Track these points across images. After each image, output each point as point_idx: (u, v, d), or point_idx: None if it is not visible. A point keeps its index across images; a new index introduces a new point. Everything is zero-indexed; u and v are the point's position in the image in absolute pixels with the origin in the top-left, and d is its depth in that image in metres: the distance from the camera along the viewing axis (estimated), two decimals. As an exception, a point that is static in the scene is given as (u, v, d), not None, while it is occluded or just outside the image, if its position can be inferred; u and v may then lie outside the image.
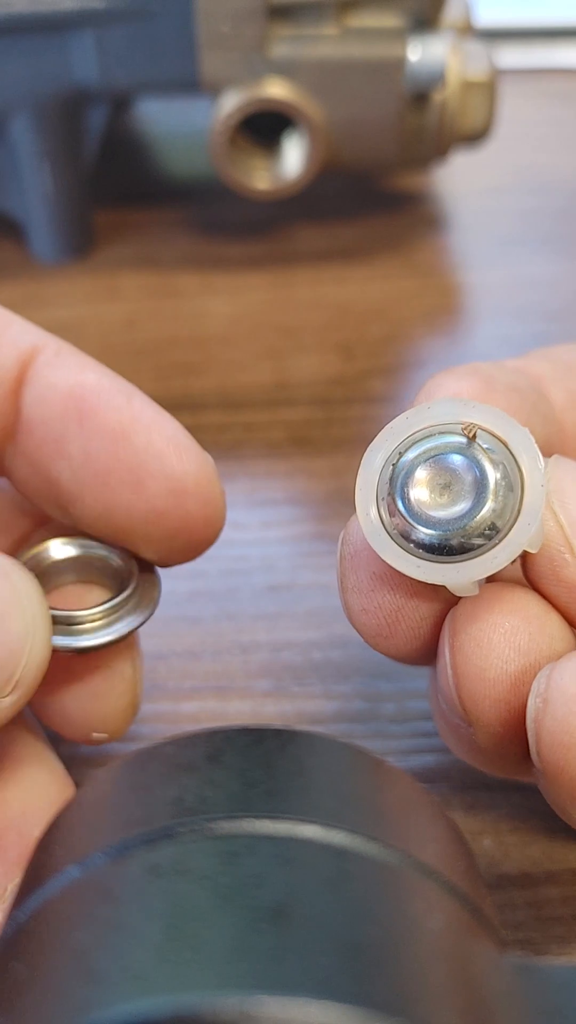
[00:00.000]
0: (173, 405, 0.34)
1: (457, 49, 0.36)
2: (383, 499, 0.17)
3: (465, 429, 0.16)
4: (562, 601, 0.17)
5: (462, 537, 0.16)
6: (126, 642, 0.20)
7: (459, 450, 0.16)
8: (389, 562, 0.16)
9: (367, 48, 0.35)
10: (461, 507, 0.16)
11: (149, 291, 0.39)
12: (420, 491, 0.16)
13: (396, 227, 0.42)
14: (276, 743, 0.13)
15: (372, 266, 0.40)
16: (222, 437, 0.32)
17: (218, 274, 0.39)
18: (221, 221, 0.42)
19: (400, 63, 0.35)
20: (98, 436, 0.18)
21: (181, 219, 0.42)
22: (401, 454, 0.17)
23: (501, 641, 0.17)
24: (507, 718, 0.17)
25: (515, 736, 0.17)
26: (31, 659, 0.17)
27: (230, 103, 0.35)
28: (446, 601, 0.18)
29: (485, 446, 0.16)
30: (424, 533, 0.16)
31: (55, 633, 0.18)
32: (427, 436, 0.17)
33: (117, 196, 0.43)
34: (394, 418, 0.17)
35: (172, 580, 0.28)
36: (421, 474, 0.16)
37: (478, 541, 0.16)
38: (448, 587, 0.16)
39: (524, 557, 0.17)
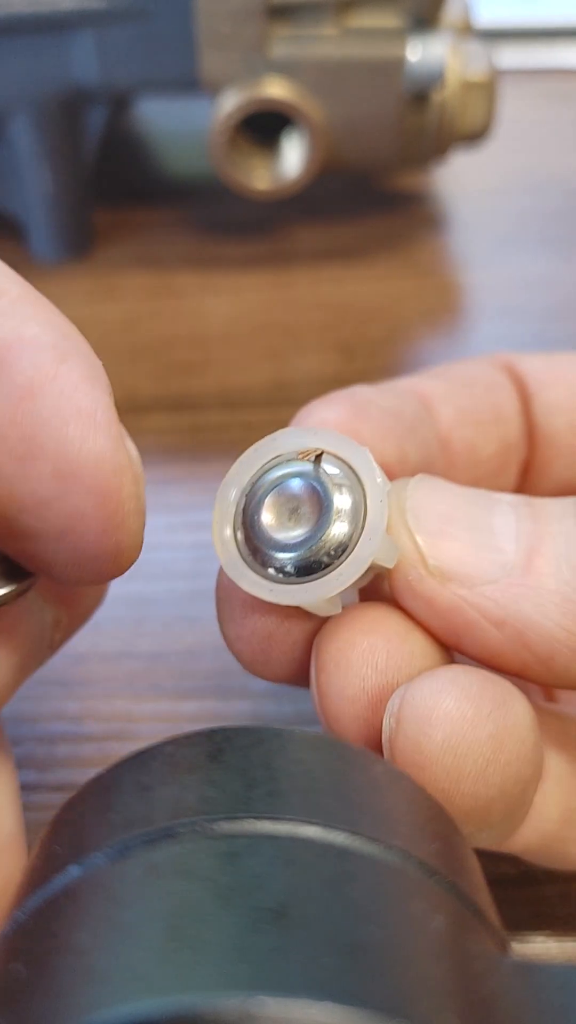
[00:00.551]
0: (173, 405, 0.34)
1: (457, 49, 0.36)
2: (239, 528, 0.17)
3: (303, 455, 0.17)
4: (423, 617, 0.17)
5: (310, 558, 0.16)
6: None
7: (303, 476, 0.17)
8: (243, 588, 0.17)
9: (367, 48, 0.35)
10: (307, 529, 0.17)
11: (149, 291, 0.39)
12: (270, 517, 0.17)
13: (396, 227, 0.42)
14: (277, 743, 0.13)
15: (372, 266, 0.40)
16: (222, 437, 0.32)
17: (218, 274, 0.39)
18: (221, 221, 0.42)
19: (400, 63, 0.35)
20: (3, 392, 0.16)
21: (181, 219, 0.42)
22: (253, 484, 0.17)
23: (359, 659, 0.17)
24: (368, 735, 0.17)
25: (379, 753, 0.17)
26: (131, 502, 0.15)
27: (230, 103, 0.35)
28: (317, 623, 0.18)
29: (329, 470, 0.17)
30: (275, 557, 0.17)
31: None
32: (276, 465, 0.17)
33: (117, 196, 0.43)
34: (245, 451, 0.18)
35: (172, 580, 0.28)
36: (270, 501, 0.17)
37: (326, 560, 0.16)
38: (305, 607, 0.17)
39: (385, 574, 0.17)
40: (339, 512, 0.17)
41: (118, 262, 0.40)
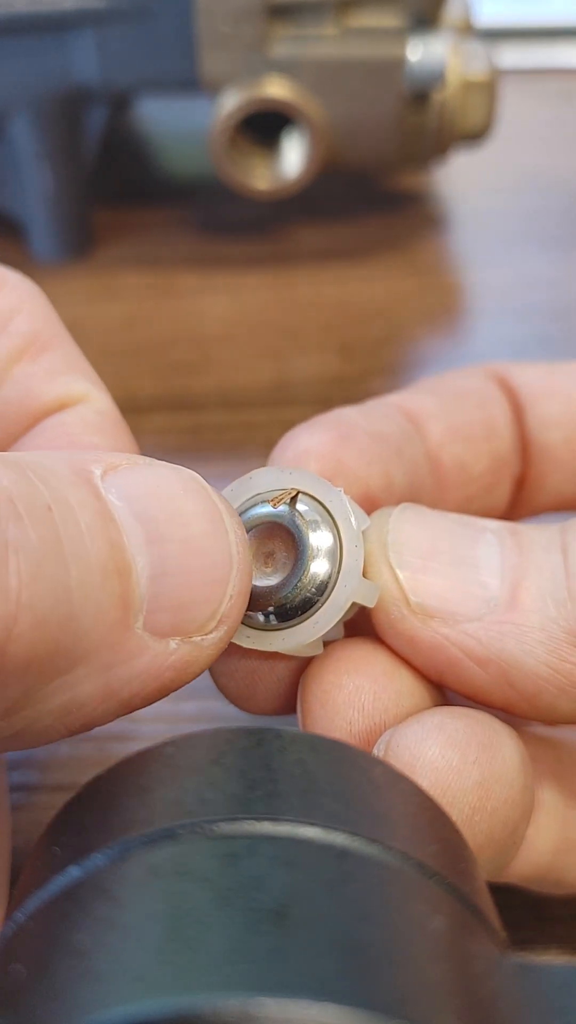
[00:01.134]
0: (173, 405, 0.34)
1: (457, 49, 0.36)
2: None
3: (275, 501, 0.16)
4: (406, 654, 0.17)
5: (286, 604, 0.16)
6: None
7: (278, 519, 0.16)
8: None
9: (367, 48, 0.35)
10: (283, 575, 0.16)
11: (149, 291, 0.39)
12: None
13: (396, 227, 0.42)
14: (276, 744, 0.13)
15: (372, 266, 0.40)
16: (222, 437, 0.32)
17: (218, 274, 0.39)
18: (221, 221, 0.42)
19: (400, 63, 0.35)
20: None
21: (181, 219, 0.42)
22: None
23: (344, 702, 0.16)
24: None
25: None
26: (235, 593, 0.15)
27: (230, 103, 0.35)
28: (302, 660, 0.17)
29: (304, 512, 0.16)
30: (253, 603, 0.16)
31: None
32: (252, 507, 0.17)
33: (117, 196, 0.43)
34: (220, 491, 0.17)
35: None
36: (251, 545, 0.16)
37: (302, 606, 0.16)
38: (284, 652, 0.16)
39: (369, 612, 0.17)
40: (314, 556, 0.16)
41: (118, 262, 0.40)
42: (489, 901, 0.13)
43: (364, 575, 0.16)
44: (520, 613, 0.16)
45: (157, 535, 0.14)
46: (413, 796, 0.13)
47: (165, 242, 0.41)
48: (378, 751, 0.16)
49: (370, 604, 0.17)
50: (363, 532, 0.17)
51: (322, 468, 0.18)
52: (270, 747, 0.13)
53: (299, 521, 0.16)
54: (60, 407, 0.18)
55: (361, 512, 0.17)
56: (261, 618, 0.16)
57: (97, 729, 0.23)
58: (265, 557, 0.16)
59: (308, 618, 0.16)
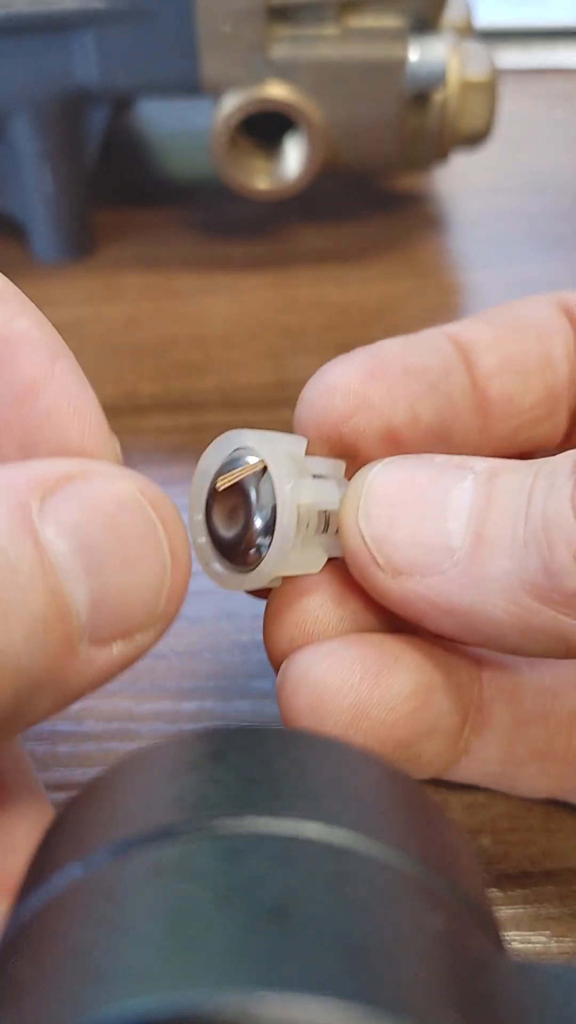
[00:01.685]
0: (173, 405, 0.34)
1: (457, 49, 0.36)
2: (205, 516, 0.19)
3: (227, 477, 0.18)
4: (381, 602, 0.18)
5: (244, 552, 0.18)
6: None
7: (241, 480, 0.18)
8: (203, 570, 0.18)
9: (367, 48, 0.35)
10: (239, 527, 0.18)
11: (149, 291, 0.39)
12: (217, 514, 0.18)
13: (396, 227, 0.42)
14: (277, 742, 0.13)
15: (372, 266, 0.40)
16: (222, 437, 0.32)
17: (218, 274, 0.39)
18: (221, 221, 0.42)
19: (400, 63, 0.35)
20: (4, 386, 0.17)
21: (181, 219, 0.42)
22: (212, 482, 0.18)
23: (290, 621, 0.19)
24: None
25: None
26: (171, 592, 0.16)
27: (230, 103, 0.35)
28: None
29: (258, 477, 0.18)
30: (222, 548, 0.18)
31: None
32: (231, 462, 0.18)
33: (117, 196, 0.43)
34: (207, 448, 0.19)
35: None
36: (220, 500, 0.18)
37: (254, 555, 0.18)
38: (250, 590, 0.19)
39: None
40: (259, 512, 0.17)
41: (119, 262, 0.40)
42: (488, 900, 0.13)
43: (335, 533, 0.18)
44: (481, 565, 0.16)
45: (95, 563, 0.15)
46: (413, 794, 0.13)
47: (165, 242, 0.41)
48: (280, 671, 0.18)
49: (312, 570, 0.18)
50: (345, 492, 0.18)
51: (346, 405, 0.19)
52: (270, 745, 0.13)
53: (249, 481, 0.18)
54: None
55: (333, 483, 0.18)
56: (232, 563, 0.18)
57: (97, 728, 0.24)
58: (231, 511, 0.18)
59: (258, 566, 0.18)
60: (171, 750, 0.13)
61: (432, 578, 0.17)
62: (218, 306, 0.38)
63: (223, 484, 0.18)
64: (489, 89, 0.37)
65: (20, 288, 0.19)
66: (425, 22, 0.35)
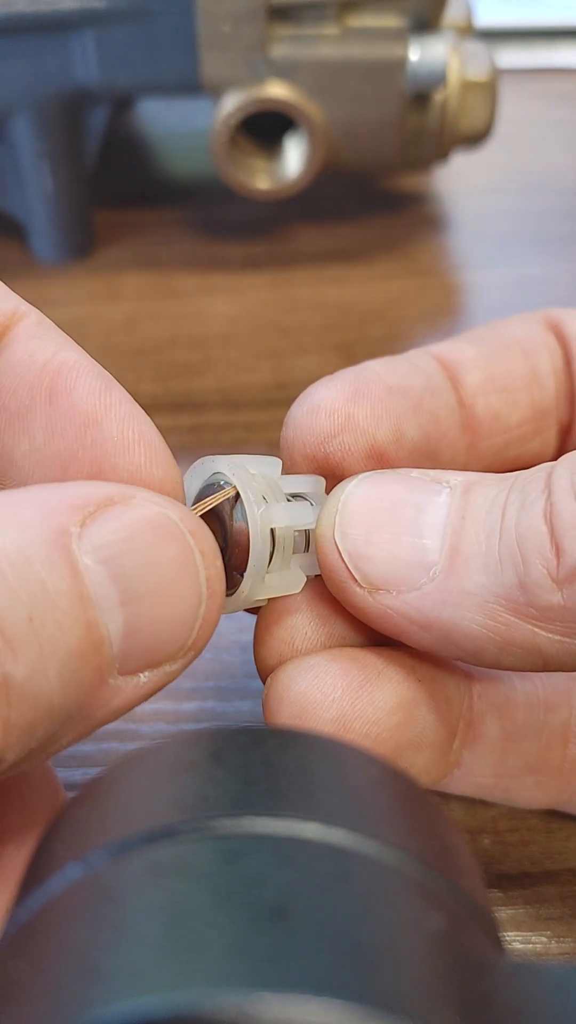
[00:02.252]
0: (173, 405, 0.34)
1: (457, 49, 0.36)
2: None
3: (205, 503, 0.18)
4: (360, 619, 0.18)
5: (225, 576, 0.17)
6: None
7: (218, 503, 0.18)
8: None
9: (368, 48, 0.35)
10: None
11: (149, 291, 0.39)
12: None
13: (396, 227, 0.42)
14: (277, 742, 0.13)
15: (372, 266, 0.40)
16: (223, 437, 0.32)
17: (218, 274, 0.39)
18: (221, 221, 0.42)
19: (401, 63, 0.35)
20: (67, 417, 0.17)
21: (181, 219, 0.42)
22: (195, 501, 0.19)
23: (280, 638, 0.19)
24: None
25: None
26: (204, 623, 0.16)
27: (231, 103, 0.35)
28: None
29: (229, 493, 0.18)
30: None
31: None
32: (206, 487, 0.18)
33: (117, 196, 0.43)
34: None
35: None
36: None
37: (236, 577, 0.18)
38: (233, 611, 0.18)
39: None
40: (236, 544, 0.18)
41: (119, 262, 0.40)
42: (487, 900, 0.13)
43: (315, 551, 0.18)
44: (456, 580, 0.16)
45: (130, 594, 0.15)
46: (413, 794, 0.13)
47: (165, 242, 0.41)
48: (266, 685, 0.18)
49: (292, 591, 0.18)
50: (321, 510, 0.18)
51: (330, 425, 0.19)
52: (270, 745, 0.13)
53: (225, 507, 0.18)
54: (3, 331, 0.18)
55: (307, 505, 0.18)
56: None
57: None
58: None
59: (235, 593, 0.18)
60: (171, 750, 0.13)
61: (409, 594, 0.17)
62: (218, 306, 0.38)
63: (198, 511, 0.18)
64: (489, 89, 0.37)
65: (20, 288, 0.19)
66: (425, 22, 0.35)
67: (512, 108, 0.46)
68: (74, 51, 0.35)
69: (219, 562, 0.16)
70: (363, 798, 0.13)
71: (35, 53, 0.35)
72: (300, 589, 0.18)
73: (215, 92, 0.36)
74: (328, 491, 0.19)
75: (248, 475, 0.18)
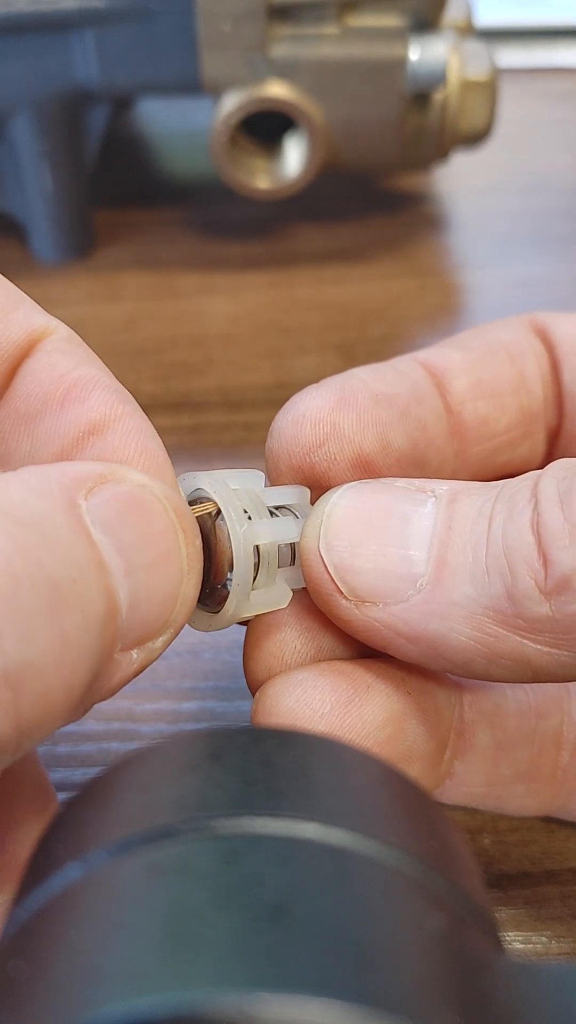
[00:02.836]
0: (173, 405, 0.34)
1: (457, 49, 0.36)
2: None
3: (197, 510, 0.18)
4: (346, 631, 0.18)
5: (211, 592, 0.18)
6: None
7: (200, 521, 0.18)
8: None
9: (368, 48, 0.35)
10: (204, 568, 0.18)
11: (149, 291, 0.39)
12: None
13: (396, 227, 0.42)
14: (276, 743, 0.13)
15: (372, 266, 0.40)
16: (223, 437, 0.32)
17: (218, 274, 0.39)
18: (221, 221, 0.42)
19: (401, 63, 0.35)
20: (72, 422, 0.17)
21: (181, 219, 0.42)
22: None
23: (269, 652, 0.19)
24: None
25: None
26: (184, 599, 0.16)
27: (231, 103, 0.35)
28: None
29: (210, 508, 0.18)
30: None
31: None
32: (190, 504, 0.18)
33: (117, 196, 0.43)
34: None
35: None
36: None
37: (222, 591, 0.18)
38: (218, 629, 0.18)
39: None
40: (220, 559, 0.17)
41: (119, 262, 0.40)
42: (487, 900, 0.13)
43: (301, 563, 0.18)
44: (443, 591, 0.16)
45: (132, 565, 0.15)
46: (412, 794, 0.13)
47: (165, 242, 0.41)
48: (255, 699, 0.18)
49: (279, 605, 0.18)
50: (305, 522, 0.18)
51: (316, 435, 0.19)
52: (270, 745, 0.13)
53: (207, 523, 0.18)
54: (33, 343, 0.18)
55: (291, 520, 0.18)
56: (202, 603, 0.18)
57: (97, 729, 0.24)
58: None
59: (221, 611, 0.18)
60: (170, 750, 0.13)
61: (396, 606, 0.17)
62: (218, 306, 0.38)
63: None
64: (489, 89, 0.37)
65: (20, 288, 0.19)
66: (425, 21, 0.35)
67: (512, 108, 0.46)
68: (74, 51, 0.35)
69: (198, 542, 0.16)
70: (363, 798, 0.13)
71: (35, 53, 0.35)
72: (287, 604, 0.18)
73: (215, 92, 0.36)
74: (313, 502, 0.19)
75: (229, 491, 0.18)
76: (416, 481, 0.18)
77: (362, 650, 0.19)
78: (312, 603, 0.19)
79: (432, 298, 0.38)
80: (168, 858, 0.11)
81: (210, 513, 0.18)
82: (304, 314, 0.37)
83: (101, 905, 0.11)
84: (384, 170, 0.42)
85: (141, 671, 0.16)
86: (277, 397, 0.34)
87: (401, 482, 0.18)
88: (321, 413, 0.19)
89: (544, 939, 0.20)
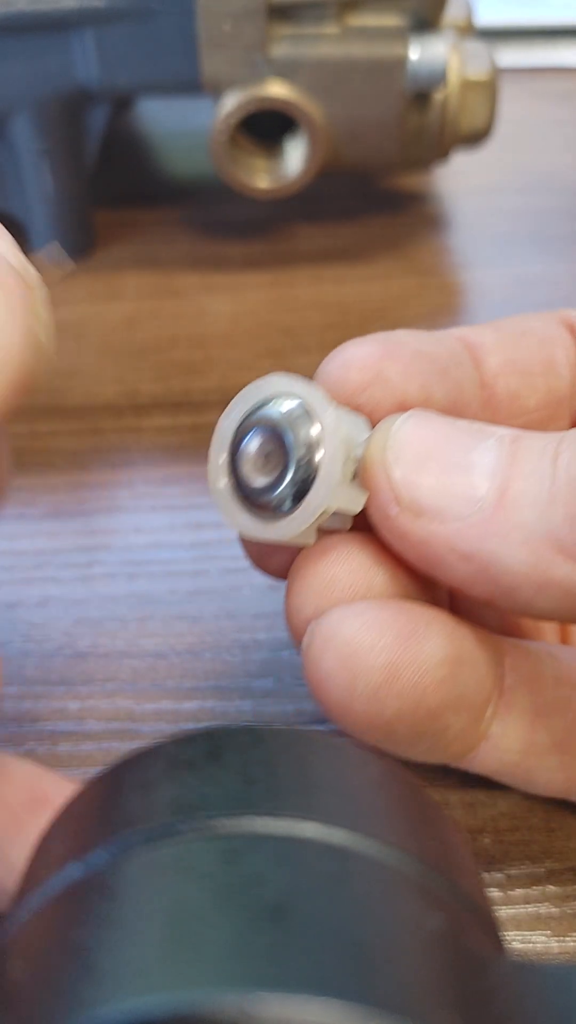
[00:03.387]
0: (173, 405, 0.34)
1: (458, 48, 0.36)
2: (231, 471, 0.19)
3: (259, 422, 0.18)
4: (398, 548, 0.18)
5: (277, 501, 0.18)
6: None
7: (277, 422, 0.18)
8: (226, 522, 0.18)
9: (368, 47, 0.35)
10: (275, 474, 0.18)
11: (149, 291, 0.39)
12: (247, 461, 0.18)
13: (396, 227, 0.42)
14: (277, 742, 0.13)
15: (372, 266, 0.40)
16: (222, 437, 0.32)
17: (218, 274, 0.39)
18: (221, 221, 0.42)
19: (401, 62, 0.35)
20: None
21: (181, 219, 0.42)
22: (239, 428, 0.18)
23: (318, 590, 0.19)
24: None
25: None
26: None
27: (231, 102, 0.35)
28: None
29: (296, 419, 0.18)
30: (252, 499, 0.18)
31: None
32: (260, 407, 0.18)
33: (117, 196, 0.43)
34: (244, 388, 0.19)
35: (172, 579, 0.28)
36: (250, 445, 0.18)
37: (288, 504, 0.18)
38: (276, 542, 0.18)
39: (366, 506, 0.18)
40: (300, 460, 0.17)
41: (119, 262, 0.40)
42: (487, 900, 0.13)
43: (363, 476, 0.18)
44: (505, 514, 0.17)
45: None
46: (412, 794, 0.13)
47: (165, 242, 0.41)
48: (309, 631, 0.18)
49: (354, 509, 0.18)
50: (367, 437, 0.18)
51: (362, 378, 0.19)
52: (270, 744, 0.13)
53: (289, 426, 0.18)
54: None
55: (362, 422, 0.18)
56: (260, 512, 0.18)
57: (97, 729, 0.24)
58: (265, 457, 0.18)
59: (291, 514, 0.18)
60: (170, 749, 0.13)
61: (455, 523, 0.17)
62: (218, 306, 0.38)
63: (254, 421, 0.18)
64: (489, 88, 0.37)
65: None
66: (425, 21, 0.35)
67: (512, 108, 0.46)
68: (74, 51, 0.35)
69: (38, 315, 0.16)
70: (363, 798, 0.13)
71: (35, 53, 0.35)
72: (360, 508, 0.18)
73: (215, 91, 0.36)
74: None
75: (311, 385, 0.18)
76: (476, 423, 0.18)
77: (411, 593, 0.19)
78: (361, 541, 0.19)
79: (432, 298, 0.38)
80: (168, 857, 0.11)
81: (290, 410, 0.18)
82: (304, 313, 0.37)
83: (101, 905, 0.11)
84: (384, 170, 0.42)
85: None
86: (277, 397, 0.34)
87: (462, 422, 0.18)
88: (368, 360, 0.19)
89: (544, 939, 0.20)
